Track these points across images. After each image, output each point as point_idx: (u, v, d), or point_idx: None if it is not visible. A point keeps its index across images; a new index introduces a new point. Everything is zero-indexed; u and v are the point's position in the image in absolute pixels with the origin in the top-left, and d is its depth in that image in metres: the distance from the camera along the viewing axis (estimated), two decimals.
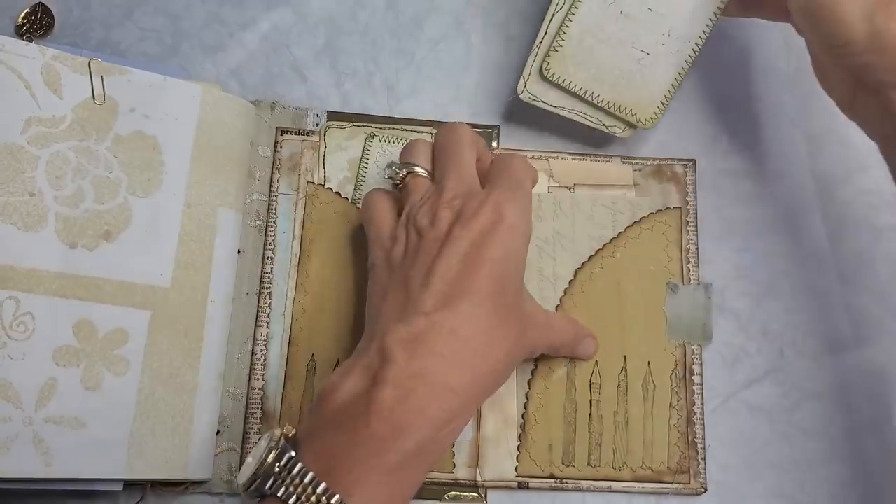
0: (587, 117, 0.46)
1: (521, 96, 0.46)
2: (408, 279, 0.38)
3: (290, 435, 0.34)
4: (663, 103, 0.46)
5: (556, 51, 0.44)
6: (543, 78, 0.45)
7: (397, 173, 0.43)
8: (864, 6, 0.36)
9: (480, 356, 0.36)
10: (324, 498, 0.32)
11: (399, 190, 0.43)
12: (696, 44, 0.44)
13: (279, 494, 0.32)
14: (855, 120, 0.41)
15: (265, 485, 0.33)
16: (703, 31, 0.44)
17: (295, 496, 0.32)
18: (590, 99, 0.45)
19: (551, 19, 0.45)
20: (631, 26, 0.44)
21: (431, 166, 0.42)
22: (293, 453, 0.33)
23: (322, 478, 0.32)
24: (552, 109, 0.46)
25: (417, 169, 0.42)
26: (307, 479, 0.32)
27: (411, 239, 0.39)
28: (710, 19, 0.44)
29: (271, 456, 0.33)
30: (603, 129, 0.47)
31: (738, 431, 0.45)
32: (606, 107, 0.45)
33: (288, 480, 0.32)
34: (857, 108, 0.40)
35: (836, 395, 0.46)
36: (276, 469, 0.33)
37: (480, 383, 0.37)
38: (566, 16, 0.44)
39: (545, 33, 0.45)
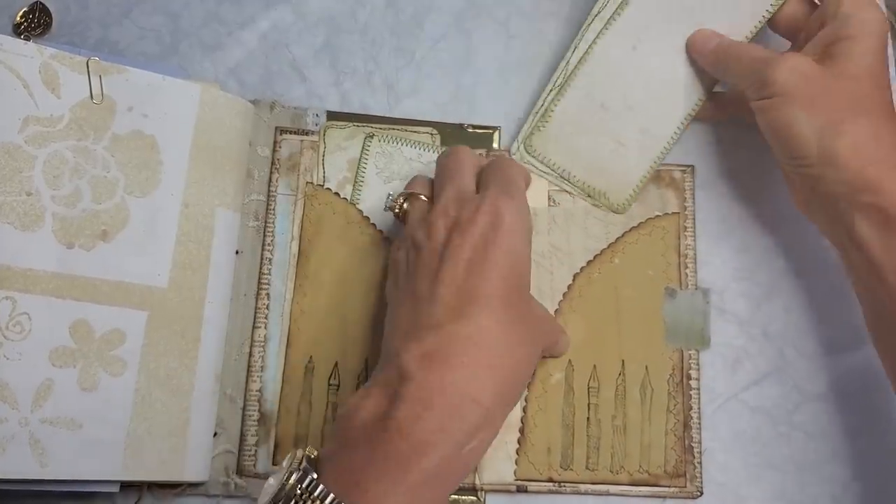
0: (568, 189, 0.48)
1: (514, 156, 0.48)
2: (414, 293, 0.37)
3: (312, 456, 0.34)
4: (635, 192, 0.48)
5: (540, 130, 0.48)
6: (527, 151, 0.48)
7: (396, 201, 0.43)
8: (817, 126, 0.40)
9: (500, 361, 0.36)
10: None
11: (400, 220, 0.43)
12: (667, 142, 0.48)
13: None
14: (809, 218, 0.44)
15: None
16: (675, 132, 0.48)
17: None
18: (566, 177, 0.48)
19: (547, 94, 0.48)
20: (609, 119, 0.47)
21: (431, 194, 0.42)
22: (315, 475, 0.33)
23: (341, 498, 0.32)
24: (540, 173, 0.48)
25: (416, 193, 0.42)
26: (328, 501, 0.32)
27: (410, 256, 0.39)
28: (683, 122, 0.47)
29: (293, 478, 0.33)
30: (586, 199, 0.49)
31: (738, 432, 0.46)
32: (581, 187, 0.48)
33: (309, 503, 0.32)
34: (812, 210, 0.44)
35: (836, 395, 0.46)
36: (298, 491, 0.33)
37: (504, 391, 0.36)
38: (553, 99, 0.47)
39: (540, 105, 0.48)
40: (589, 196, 0.48)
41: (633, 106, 0.47)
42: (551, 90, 0.48)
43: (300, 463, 0.33)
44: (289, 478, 0.33)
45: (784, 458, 0.45)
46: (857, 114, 0.40)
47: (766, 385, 0.46)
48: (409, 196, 0.42)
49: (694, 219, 0.48)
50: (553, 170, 0.48)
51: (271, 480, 0.34)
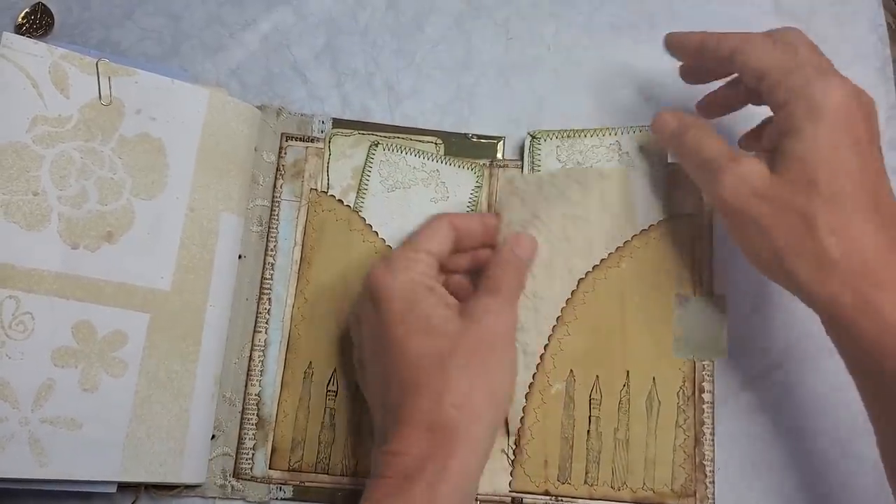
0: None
1: None
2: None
3: None
4: None
5: None
6: None
7: None
8: (773, 248, 0.38)
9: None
10: None
11: None
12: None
13: None
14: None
15: None
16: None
17: None
18: None
19: None
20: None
21: None
22: None
23: None
24: None
25: None
26: None
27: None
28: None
29: None
30: None
31: (739, 432, 0.46)
32: None
33: None
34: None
35: (837, 395, 0.47)
36: None
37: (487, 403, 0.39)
38: None
39: None
40: None
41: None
42: None
43: None
44: None
45: (784, 458, 0.46)
46: (814, 230, 0.36)
47: (766, 384, 0.47)
48: None
49: (711, 221, 0.48)
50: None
51: None
